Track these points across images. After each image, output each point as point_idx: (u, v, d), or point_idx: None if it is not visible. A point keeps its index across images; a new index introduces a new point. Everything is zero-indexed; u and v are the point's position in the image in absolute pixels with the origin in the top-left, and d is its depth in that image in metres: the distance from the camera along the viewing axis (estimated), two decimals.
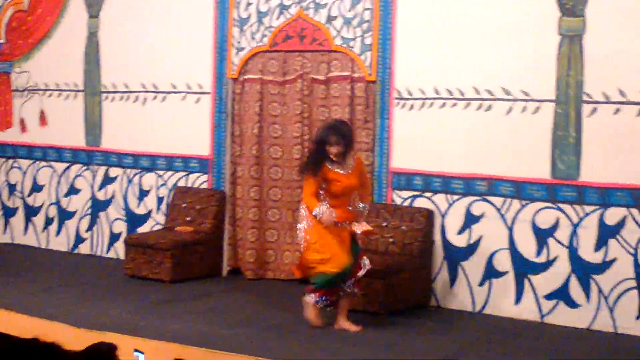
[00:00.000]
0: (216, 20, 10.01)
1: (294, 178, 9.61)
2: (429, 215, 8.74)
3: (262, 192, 9.82)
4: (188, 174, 10.30)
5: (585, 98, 8.01)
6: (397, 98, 8.97)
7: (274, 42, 9.71)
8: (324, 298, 7.72)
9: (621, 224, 7.86)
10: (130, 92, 10.65)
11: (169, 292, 9.12)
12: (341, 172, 7.53)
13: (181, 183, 10.33)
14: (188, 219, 10.02)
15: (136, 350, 5.41)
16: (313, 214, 7.53)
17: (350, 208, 7.66)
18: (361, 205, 7.76)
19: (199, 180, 10.22)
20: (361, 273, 7.72)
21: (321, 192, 7.56)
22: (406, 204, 8.94)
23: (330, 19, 9.37)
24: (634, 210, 7.79)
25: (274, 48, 9.73)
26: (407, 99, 8.91)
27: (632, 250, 7.81)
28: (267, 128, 9.81)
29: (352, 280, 7.70)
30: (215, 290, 9.33)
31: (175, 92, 10.36)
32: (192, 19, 10.20)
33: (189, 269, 9.68)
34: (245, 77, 9.90)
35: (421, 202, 8.86)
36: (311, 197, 7.55)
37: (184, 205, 10.11)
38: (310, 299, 7.76)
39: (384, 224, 8.85)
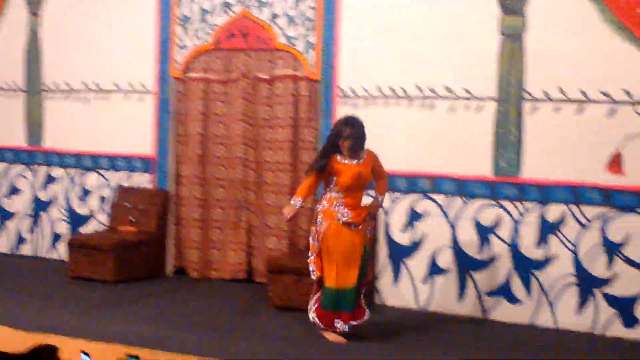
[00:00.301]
0: (159, 18, 9.95)
1: (238, 177, 9.59)
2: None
3: (206, 191, 9.79)
4: (131, 174, 10.22)
5: (526, 96, 8.11)
6: (340, 97, 8.99)
7: (217, 40, 9.68)
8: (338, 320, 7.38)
9: (561, 220, 7.96)
10: (73, 91, 10.54)
11: (112, 293, 9.04)
12: (351, 163, 7.32)
13: (124, 183, 10.25)
14: (131, 219, 9.95)
15: (83, 353, 5.38)
16: (292, 202, 7.44)
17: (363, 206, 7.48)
18: (378, 197, 7.58)
19: (143, 180, 10.15)
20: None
21: (336, 191, 7.31)
22: None
23: (274, 17, 9.36)
24: (574, 207, 7.89)
25: (218, 47, 9.70)
26: (351, 98, 8.94)
27: (572, 247, 7.91)
28: (211, 127, 9.78)
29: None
30: (159, 291, 9.26)
31: (118, 91, 10.27)
32: (135, 18, 10.12)
33: (133, 270, 9.60)
34: (189, 76, 9.86)
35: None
36: (303, 187, 7.44)
37: (127, 205, 10.02)
38: (315, 319, 7.46)
39: None
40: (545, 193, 8.03)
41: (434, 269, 8.55)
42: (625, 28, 7.63)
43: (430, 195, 8.57)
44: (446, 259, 8.49)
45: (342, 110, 8.93)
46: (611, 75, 7.73)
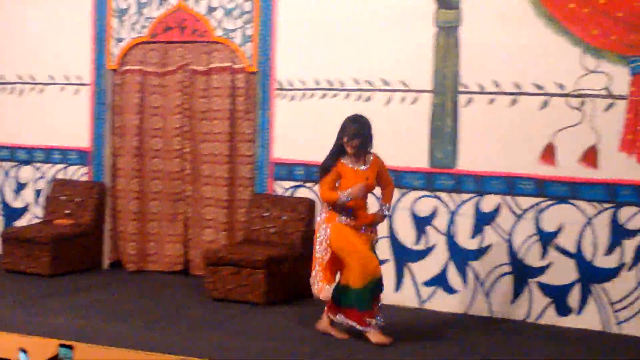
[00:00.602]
0: (95, 10, 9.85)
1: (175, 169, 9.57)
2: (310, 205, 8.81)
3: (143, 184, 9.74)
4: (67, 167, 10.12)
5: (461, 89, 8.20)
6: (278, 89, 9.00)
7: (154, 33, 9.63)
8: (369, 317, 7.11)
9: (496, 211, 8.07)
10: (7, 83, 10.39)
11: (48, 287, 8.94)
12: (357, 168, 7.09)
13: (60, 176, 10.14)
14: (67, 211, 9.85)
15: (21, 350, 5.33)
16: (341, 200, 6.98)
17: (369, 212, 7.25)
18: (383, 205, 7.29)
19: (79, 173, 10.06)
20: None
21: (338, 191, 7.06)
22: (288, 194, 8.99)
23: (210, 9, 9.34)
24: (508, 198, 8.01)
25: (154, 39, 9.65)
26: (288, 90, 8.96)
27: (506, 237, 8.03)
28: (147, 120, 9.73)
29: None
30: (96, 284, 9.20)
31: (53, 84, 10.16)
32: (70, 9, 10.00)
33: (69, 263, 9.51)
34: (125, 68, 9.79)
35: (302, 193, 8.93)
36: (329, 192, 7.06)
37: (63, 198, 9.93)
38: (371, 322, 7.11)
39: (266, 215, 8.89)
40: (480, 184, 8.13)
41: None
42: (557, 22, 7.75)
43: None
44: (383, 250, 8.52)
45: (279, 103, 8.96)
46: (544, 68, 7.84)
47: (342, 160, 7.10)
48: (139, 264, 9.75)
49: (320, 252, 7.23)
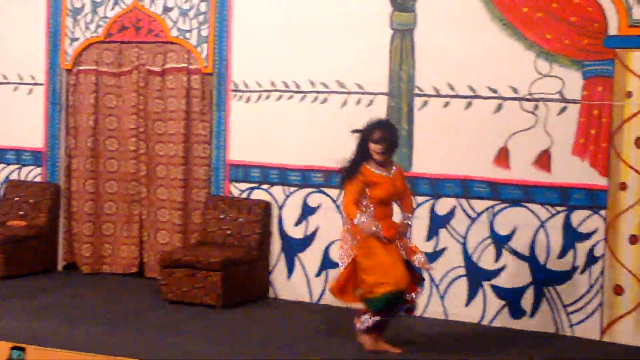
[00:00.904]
0: (48, 9, 9.76)
1: (130, 171, 9.52)
2: (266, 207, 8.80)
3: (98, 185, 9.67)
4: (21, 167, 10.02)
5: (416, 91, 8.21)
6: (233, 90, 8.97)
7: (109, 32, 9.56)
8: (378, 319, 6.91)
9: (451, 214, 8.11)
10: None
11: (1, 289, 8.86)
12: (385, 174, 6.84)
13: (13, 176, 10.04)
14: (21, 213, 9.76)
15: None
16: (355, 222, 6.72)
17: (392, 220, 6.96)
18: (406, 215, 7.04)
19: (33, 174, 9.97)
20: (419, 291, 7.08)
21: (364, 201, 6.79)
22: (244, 196, 8.97)
23: (166, 10, 9.28)
24: (463, 201, 8.05)
25: (109, 39, 9.57)
26: (244, 91, 8.93)
27: (461, 240, 8.06)
28: (102, 120, 9.66)
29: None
30: (50, 286, 9.13)
31: (6, 83, 10.07)
32: (24, 8, 9.91)
33: (23, 265, 9.43)
34: (80, 68, 9.71)
35: (258, 194, 8.91)
36: (351, 205, 6.75)
37: (16, 199, 9.84)
38: (365, 323, 6.97)
39: (222, 217, 8.86)
40: (435, 187, 8.16)
41: (327, 263, 8.60)
42: (511, 26, 7.79)
43: (324, 189, 8.62)
44: (337, 254, 8.54)
45: (235, 104, 8.93)
46: (498, 72, 7.88)
47: (369, 168, 6.81)
48: (93, 266, 9.68)
49: (345, 259, 6.91)
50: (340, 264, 6.98)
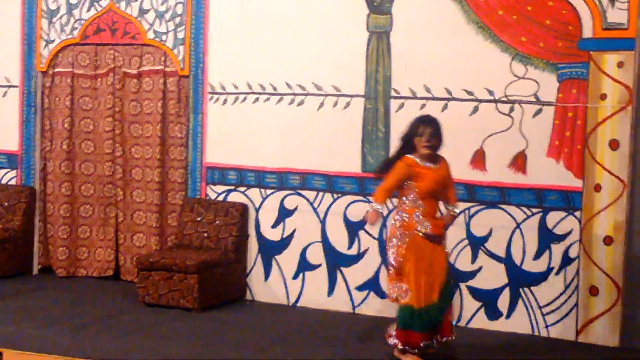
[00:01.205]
0: (23, 11, 9.72)
1: (106, 173, 9.49)
2: (243, 209, 8.79)
3: (73, 187, 9.62)
4: None
5: (393, 94, 8.24)
6: (210, 92, 8.96)
7: (84, 35, 9.52)
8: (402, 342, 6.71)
9: None
10: None
11: None
12: (430, 166, 6.69)
13: None
14: None
15: None
16: (372, 206, 6.65)
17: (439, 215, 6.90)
18: (450, 206, 6.92)
19: (8, 176, 9.91)
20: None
21: (411, 195, 6.66)
22: (220, 198, 8.96)
23: (142, 12, 9.26)
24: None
25: (85, 41, 9.54)
26: (221, 94, 8.92)
27: None
28: (78, 123, 9.63)
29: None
30: (25, 289, 9.08)
31: None
32: None
33: None
34: (55, 70, 9.67)
35: (235, 197, 8.90)
36: (382, 190, 6.68)
37: None
38: (392, 340, 6.80)
39: (198, 219, 8.85)
40: None
41: (304, 265, 8.62)
42: (487, 28, 7.83)
43: (300, 191, 8.63)
44: (316, 255, 8.56)
45: (211, 107, 8.92)
46: (474, 74, 7.91)
47: (415, 161, 6.65)
48: (69, 269, 9.64)
49: (395, 263, 6.72)
50: (391, 263, 6.76)
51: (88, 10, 9.48)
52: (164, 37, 9.16)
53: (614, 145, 7.44)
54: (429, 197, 6.67)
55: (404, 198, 6.73)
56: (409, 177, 6.65)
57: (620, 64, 7.39)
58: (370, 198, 6.86)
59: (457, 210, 7.05)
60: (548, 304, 7.73)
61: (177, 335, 7.51)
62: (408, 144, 6.76)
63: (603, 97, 7.46)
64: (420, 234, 6.63)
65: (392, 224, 6.77)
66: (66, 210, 9.60)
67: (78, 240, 9.66)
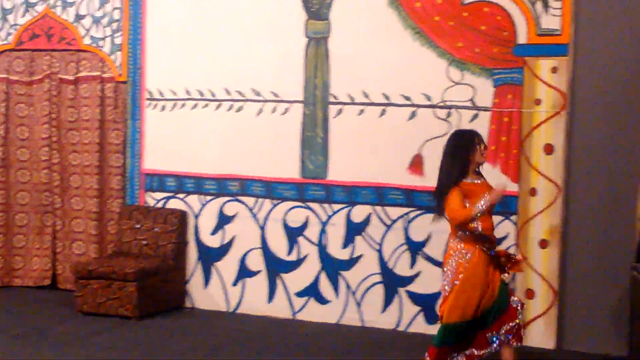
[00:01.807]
0: None
1: (42, 181, 9.37)
2: (182, 216, 8.74)
3: (8, 195, 9.49)
4: None
5: (331, 99, 8.25)
6: (148, 99, 8.90)
7: (19, 40, 9.41)
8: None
9: (366, 221, 8.16)
10: None
11: None
12: (478, 182, 6.27)
13: None
14: None
15: None
16: (477, 210, 5.99)
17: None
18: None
19: None
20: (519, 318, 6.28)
21: None
22: (159, 205, 8.90)
23: (78, 17, 9.17)
24: (378, 208, 8.10)
25: (20, 47, 9.42)
26: (159, 100, 8.87)
27: (377, 246, 8.12)
28: (13, 129, 9.50)
29: (507, 328, 6.22)
30: None
31: None
32: None
33: None
34: None
35: (174, 204, 8.85)
36: (462, 208, 6.07)
37: None
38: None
39: (137, 226, 8.78)
40: (351, 194, 8.20)
41: (244, 271, 8.59)
42: (423, 34, 7.88)
43: (240, 197, 8.60)
44: (256, 261, 8.55)
45: (150, 113, 8.86)
46: (412, 79, 7.96)
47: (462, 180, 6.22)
48: (3, 279, 9.50)
49: (451, 279, 6.23)
50: (445, 284, 6.27)
51: (23, 16, 9.37)
52: (100, 43, 9.08)
53: (548, 149, 7.53)
54: (485, 212, 6.20)
55: None
56: (465, 197, 6.18)
57: (554, 70, 7.49)
58: (455, 222, 6.22)
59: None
60: None
61: (115, 344, 7.44)
62: (463, 159, 6.24)
63: (538, 102, 7.55)
64: (482, 249, 6.20)
65: (453, 245, 6.27)
66: (1, 219, 9.46)
67: (13, 249, 9.52)
